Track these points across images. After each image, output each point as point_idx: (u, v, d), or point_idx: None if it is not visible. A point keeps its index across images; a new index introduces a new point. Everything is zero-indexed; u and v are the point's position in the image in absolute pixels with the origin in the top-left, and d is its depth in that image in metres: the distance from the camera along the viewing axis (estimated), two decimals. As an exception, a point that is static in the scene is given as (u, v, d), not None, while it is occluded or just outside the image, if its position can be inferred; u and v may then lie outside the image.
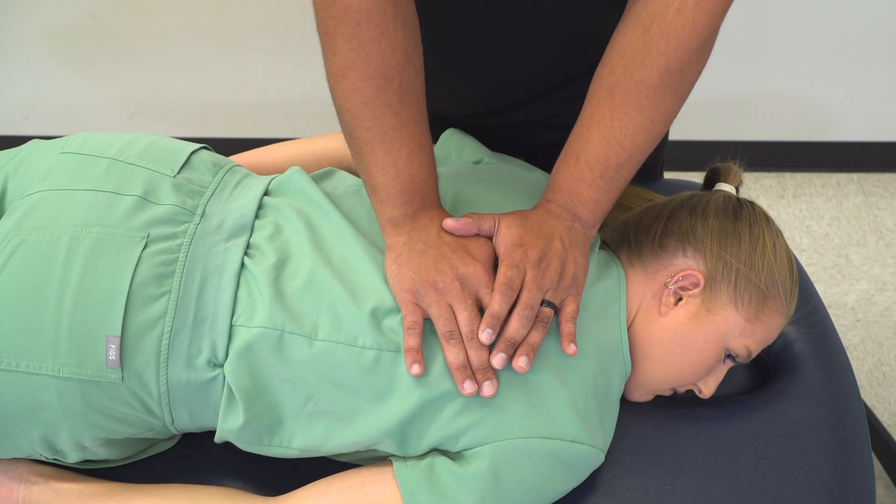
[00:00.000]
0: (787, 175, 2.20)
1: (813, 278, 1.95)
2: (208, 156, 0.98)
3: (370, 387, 0.84)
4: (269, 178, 0.97)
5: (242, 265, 0.87)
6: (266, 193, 0.95)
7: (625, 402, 0.96)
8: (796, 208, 2.14)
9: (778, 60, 1.96)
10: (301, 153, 1.16)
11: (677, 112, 0.86)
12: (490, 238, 0.87)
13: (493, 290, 0.82)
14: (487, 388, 0.82)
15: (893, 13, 1.87)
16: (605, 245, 1.00)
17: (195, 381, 0.85)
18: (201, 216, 0.89)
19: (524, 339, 0.83)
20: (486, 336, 0.81)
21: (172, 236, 0.87)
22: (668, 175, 1.38)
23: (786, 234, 2.04)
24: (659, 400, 0.98)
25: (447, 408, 0.84)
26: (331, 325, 0.84)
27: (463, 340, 0.82)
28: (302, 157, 1.15)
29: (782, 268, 0.93)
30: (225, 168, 0.97)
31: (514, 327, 0.82)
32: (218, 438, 0.89)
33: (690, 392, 0.98)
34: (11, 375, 0.81)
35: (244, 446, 0.89)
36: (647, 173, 1.16)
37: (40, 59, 1.99)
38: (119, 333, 0.81)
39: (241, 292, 0.86)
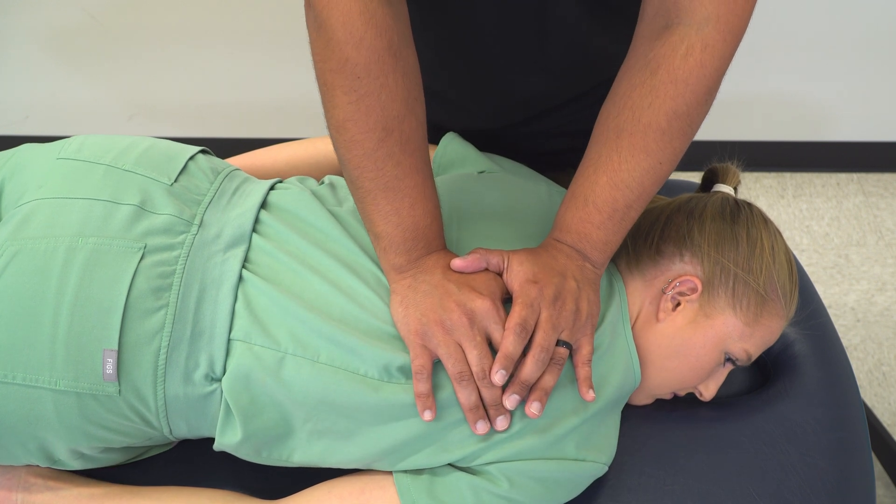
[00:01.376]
0: (787, 175, 2.20)
1: (813, 278, 1.95)
2: (206, 161, 0.96)
3: (372, 412, 0.83)
4: (267, 183, 0.96)
5: (241, 277, 0.86)
6: (265, 204, 0.93)
7: (625, 403, 0.96)
8: (796, 208, 2.14)
9: (778, 60, 1.96)
10: (301, 155, 1.15)
11: (684, 151, 0.85)
12: (498, 274, 0.86)
13: (503, 326, 0.81)
14: (501, 423, 0.82)
15: (893, 13, 1.87)
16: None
17: (193, 395, 0.84)
18: (199, 226, 0.88)
19: (538, 381, 0.81)
20: (499, 378, 0.79)
21: (170, 247, 0.85)
22: (668, 175, 1.38)
23: (786, 235, 2.04)
24: (659, 401, 0.98)
25: (451, 433, 0.84)
26: (334, 350, 0.83)
27: (474, 379, 0.81)
28: (302, 159, 1.14)
29: (781, 270, 0.92)
30: (223, 174, 0.95)
31: (529, 370, 0.80)
32: (217, 448, 0.88)
33: (691, 394, 0.98)
34: (8, 388, 0.81)
35: (243, 457, 0.88)
36: None
37: (40, 59, 1.99)
38: (116, 347, 0.81)
39: (240, 305, 0.84)
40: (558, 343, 0.82)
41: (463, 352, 0.81)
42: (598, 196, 0.84)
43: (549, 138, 1.14)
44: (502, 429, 0.82)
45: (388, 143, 0.80)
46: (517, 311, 0.81)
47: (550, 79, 1.04)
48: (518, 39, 0.99)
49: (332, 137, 0.83)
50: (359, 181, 0.83)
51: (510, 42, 0.99)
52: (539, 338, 0.80)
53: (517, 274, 0.84)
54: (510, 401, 0.80)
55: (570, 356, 0.85)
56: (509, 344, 0.80)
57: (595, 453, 0.86)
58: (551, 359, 0.81)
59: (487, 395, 0.81)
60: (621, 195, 0.84)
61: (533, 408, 0.80)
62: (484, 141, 1.14)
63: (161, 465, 0.95)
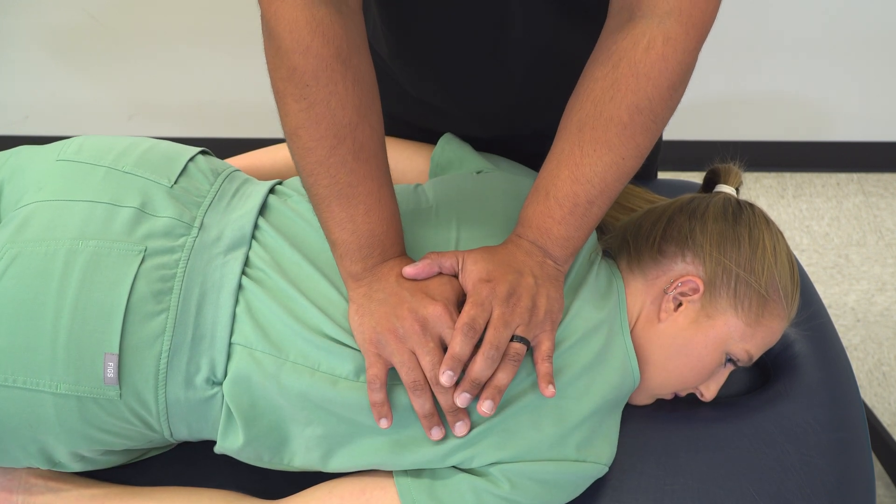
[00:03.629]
0: (787, 175, 2.20)
1: (813, 278, 1.95)
2: (206, 162, 0.96)
3: (370, 417, 0.83)
4: (268, 184, 0.96)
5: (241, 281, 0.86)
6: (265, 205, 0.93)
7: (626, 403, 0.96)
8: (796, 208, 2.14)
9: (778, 60, 1.96)
10: None
11: (650, 148, 0.84)
12: (455, 276, 0.85)
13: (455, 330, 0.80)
14: (459, 429, 0.81)
15: (893, 13, 1.87)
16: (605, 253, 1.00)
17: (194, 399, 0.84)
18: (199, 228, 0.88)
19: (491, 379, 0.80)
20: (446, 378, 0.78)
21: (170, 250, 0.85)
22: (667, 175, 1.38)
23: (786, 235, 2.03)
24: (659, 401, 0.98)
25: (451, 437, 0.83)
26: (334, 360, 0.83)
27: (429, 386, 0.80)
28: None
29: (783, 271, 0.92)
30: (223, 175, 0.95)
31: (478, 368, 0.79)
32: (218, 451, 0.88)
33: (691, 394, 0.98)
34: (8, 391, 0.81)
35: (243, 461, 0.88)
36: (641, 176, 1.15)
37: (40, 59, 1.99)
38: (117, 351, 0.81)
39: (240, 309, 0.85)
40: (514, 339, 0.80)
41: (417, 359, 0.80)
42: (560, 190, 0.84)
43: (544, 141, 1.14)
44: (461, 435, 0.81)
45: (340, 150, 0.80)
46: (466, 310, 0.80)
47: (521, 88, 1.04)
48: (478, 57, 0.99)
49: (287, 145, 0.83)
50: (313, 188, 0.82)
51: (471, 60, 0.99)
52: (489, 335, 0.79)
53: (471, 273, 0.83)
54: (460, 399, 0.79)
55: (531, 353, 0.84)
56: (456, 344, 0.78)
57: (596, 454, 0.86)
58: (505, 355, 0.80)
59: (442, 400, 0.80)
60: (582, 190, 0.83)
61: (484, 406, 0.79)
62: (481, 146, 1.14)
63: (161, 465, 0.95)
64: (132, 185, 0.89)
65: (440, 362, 0.79)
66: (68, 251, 0.83)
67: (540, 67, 1.01)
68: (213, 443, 0.89)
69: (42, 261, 0.82)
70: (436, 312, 0.80)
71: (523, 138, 1.13)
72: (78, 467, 0.88)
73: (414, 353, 0.80)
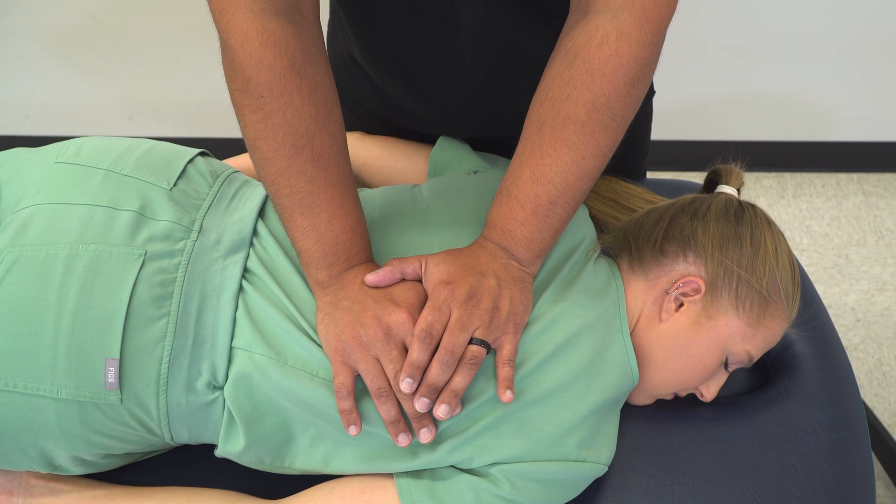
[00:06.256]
0: (787, 175, 2.20)
1: (813, 278, 1.95)
2: (205, 164, 0.96)
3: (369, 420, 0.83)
4: None
5: (242, 285, 0.86)
6: (263, 208, 0.93)
7: (626, 403, 0.96)
8: (796, 208, 2.14)
9: (777, 61, 1.96)
10: None
11: (613, 147, 0.83)
12: (419, 281, 0.84)
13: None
14: (424, 436, 0.80)
15: (893, 13, 1.87)
16: (605, 252, 1.00)
17: (195, 403, 0.84)
18: (199, 231, 0.88)
19: (448, 383, 0.79)
20: (405, 385, 0.78)
21: (170, 254, 0.85)
22: (668, 175, 1.39)
23: (786, 235, 2.03)
24: (660, 401, 0.98)
25: (447, 441, 0.83)
26: (330, 366, 0.83)
27: (394, 393, 0.80)
28: None
29: (784, 272, 0.92)
30: (222, 177, 0.95)
31: (434, 373, 0.78)
32: (219, 455, 0.88)
33: (692, 394, 0.98)
34: (9, 396, 0.80)
35: (244, 464, 0.88)
36: (630, 176, 1.16)
37: (40, 59, 1.99)
38: (118, 356, 0.80)
39: (240, 313, 0.85)
40: (474, 342, 0.79)
41: (381, 367, 0.80)
42: (521, 191, 0.83)
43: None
44: (426, 441, 0.81)
45: (299, 159, 0.80)
46: (423, 316, 0.79)
47: (481, 96, 1.03)
48: (435, 59, 0.99)
49: (249, 156, 0.83)
50: (276, 198, 0.83)
51: (428, 61, 0.99)
52: (444, 340, 0.78)
53: (431, 277, 0.83)
54: (419, 404, 0.78)
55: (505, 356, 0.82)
56: (413, 351, 0.78)
57: (595, 454, 0.86)
58: (463, 359, 0.79)
59: (406, 407, 0.80)
60: (544, 190, 0.82)
61: (440, 411, 0.79)
62: (478, 146, 1.14)
63: (161, 466, 0.95)
64: (131, 188, 0.89)
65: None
66: (68, 255, 0.82)
67: (502, 69, 1.00)
68: (214, 444, 0.89)
69: (42, 265, 0.82)
70: (399, 319, 0.79)
71: (501, 141, 1.13)
72: (79, 471, 0.88)
73: (378, 361, 0.80)
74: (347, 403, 0.80)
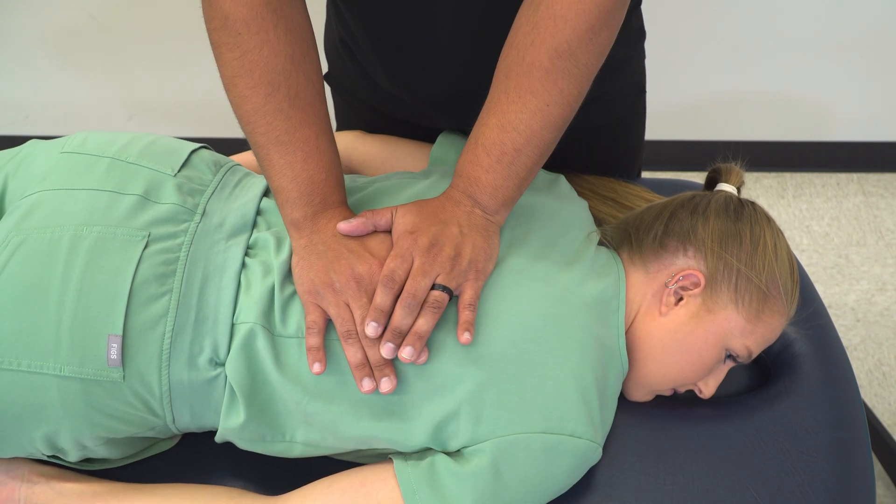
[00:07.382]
0: (787, 175, 2.20)
1: (813, 278, 1.95)
2: (208, 155, 0.98)
3: (357, 387, 0.84)
4: None
5: (244, 265, 0.87)
6: (266, 194, 0.95)
7: (624, 401, 0.96)
8: (796, 208, 2.14)
9: (778, 60, 1.97)
10: None
11: (579, 96, 0.84)
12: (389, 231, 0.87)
13: None
14: (385, 385, 0.82)
15: (893, 13, 1.87)
16: (604, 243, 1.00)
17: (197, 380, 0.85)
18: (202, 215, 0.90)
19: (413, 327, 0.81)
20: (370, 329, 0.80)
21: (173, 235, 0.87)
22: (668, 175, 1.39)
23: (786, 234, 2.03)
24: (659, 399, 0.98)
25: (441, 405, 0.84)
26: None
27: (359, 338, 0.82)
28: None
29: (783, 268, 0.92)
30: (225, 167, 0.97)
31: (398, 316, 0.81)
32: (219, 438, 0.89)
33: (690, 392, 0.98)
34: (13, 375, 0.81)
35: (245, 445, 0.89)
36: (625, 175, 1.15)
37: (40, 59, 1.99)
38: (121, 333, 0.82)
39: (242, 289, 0.86)
40: (436, 288, 0.82)
41: (351, 312, 0.82)
42: (487, 138, 0.85)
43: None
44: (386, 390, 0.82)
45: (275, 97, 0.83)
46: (387, 263, 0.83)
47: (458, 78, 1.03)
48: (413, 42, 0.99)
49: (227, 96, 0.85)
50: (252, 136, 0.85)
51: (406, 43, 1.00)
52: (407, 285, 0.81)
53: (397, 226, 0.86)
54: (385, 349, 0.80)
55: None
56: (378, 296, 0.81)
57: (591, 432, 0.84)
58: (425, 303, 0.81)
59: (370, 353, 0.82)
60: (509, 137, 0.84)
61: (404, 352, 0.80)
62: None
63: (162, 462, 0.95)
64: (136, 174, 0.91)
65: None
66: (73, 237, 0.84)
67: (481, 52, 0.98)
68: (214, 440, 0.89)
69: (47, 246, 0.83)
70: (372, 269, 0.83)
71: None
72: (78, 455, 0.89)
73: (348, 306, 0.82)
74: (316, 341, 0.83)
